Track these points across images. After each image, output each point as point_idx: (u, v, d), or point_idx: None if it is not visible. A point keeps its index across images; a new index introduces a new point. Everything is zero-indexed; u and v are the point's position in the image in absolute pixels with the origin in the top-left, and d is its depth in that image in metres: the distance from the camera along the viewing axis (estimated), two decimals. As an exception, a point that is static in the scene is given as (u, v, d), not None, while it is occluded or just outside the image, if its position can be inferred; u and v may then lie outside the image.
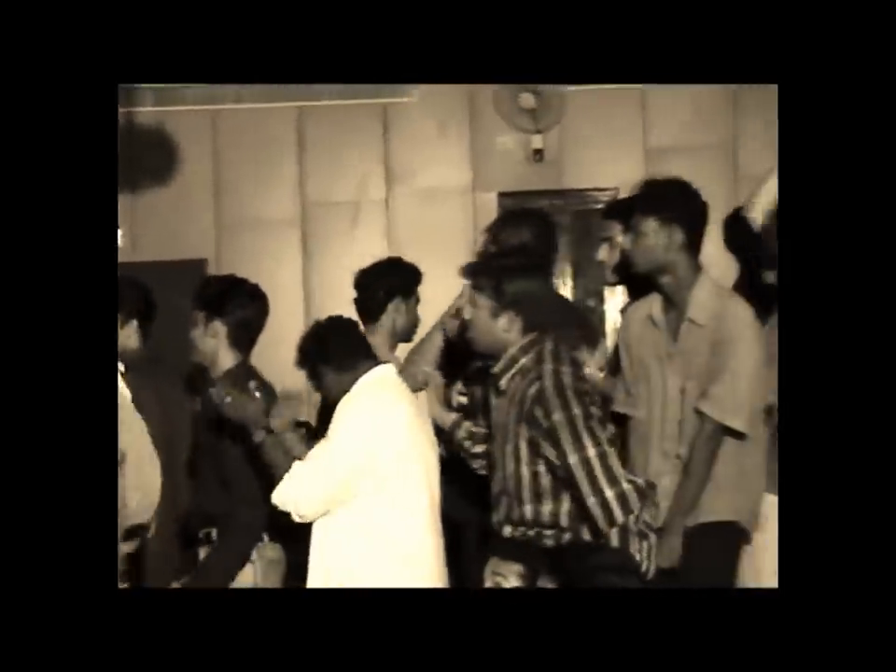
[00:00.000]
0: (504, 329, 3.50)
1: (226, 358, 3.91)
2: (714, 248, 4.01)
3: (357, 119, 6.48)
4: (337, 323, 3.76)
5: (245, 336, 3.92)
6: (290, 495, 3.49)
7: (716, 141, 6.39)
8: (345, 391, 3.65)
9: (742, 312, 3.81)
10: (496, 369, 3.51)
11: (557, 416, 3.33)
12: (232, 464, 3.76)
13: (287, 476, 3.51)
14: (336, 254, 6.33)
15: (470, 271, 3.60)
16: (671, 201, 3.87)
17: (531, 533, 3.44)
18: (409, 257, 4.40)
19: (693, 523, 3.76)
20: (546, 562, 3.42)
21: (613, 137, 6.47)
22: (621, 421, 4.00)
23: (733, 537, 3.83)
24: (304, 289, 6.42)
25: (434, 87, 6.43)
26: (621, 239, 4.11)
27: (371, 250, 5.68)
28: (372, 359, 3.72)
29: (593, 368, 4.00)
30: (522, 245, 4.08)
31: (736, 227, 4.17)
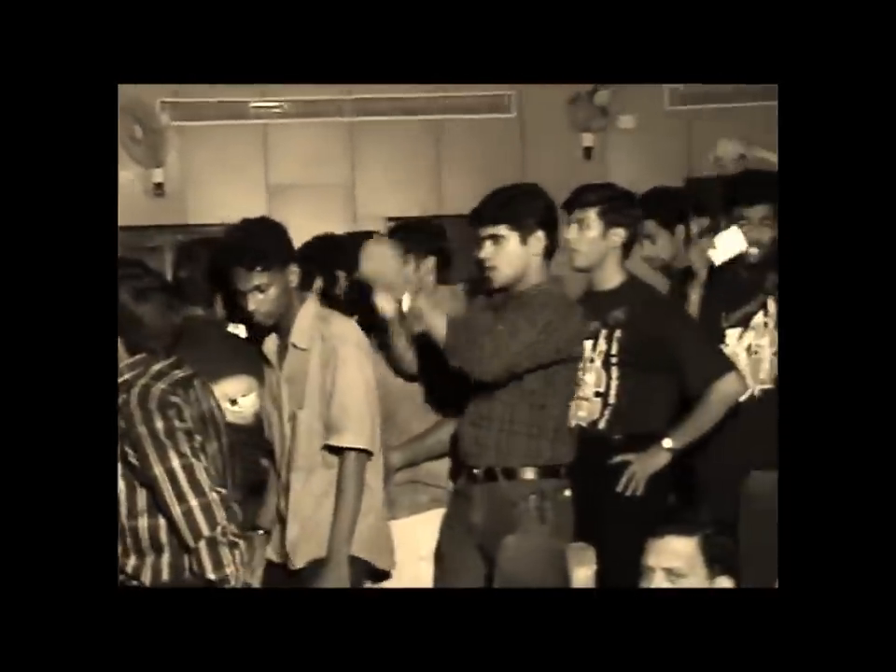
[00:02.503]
0: None
1: None
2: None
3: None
4: None
5: None
6: None
7: (335, 180, 6.53)
8: None
9: (342, 330, 3.84)
10: None
11: (141, 429, 3.31)
12: None
13: None
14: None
15: None
16: (270, 243, 3.84)
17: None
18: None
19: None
20: None
21: (235, 173, 6.50)
22: None
23: (359, 573, 3.89)
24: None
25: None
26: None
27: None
28: None
29: (239, 396, 4.00)
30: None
31: None
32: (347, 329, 3.87)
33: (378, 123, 6.53)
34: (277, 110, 6.56)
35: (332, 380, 3.80)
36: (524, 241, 3.75)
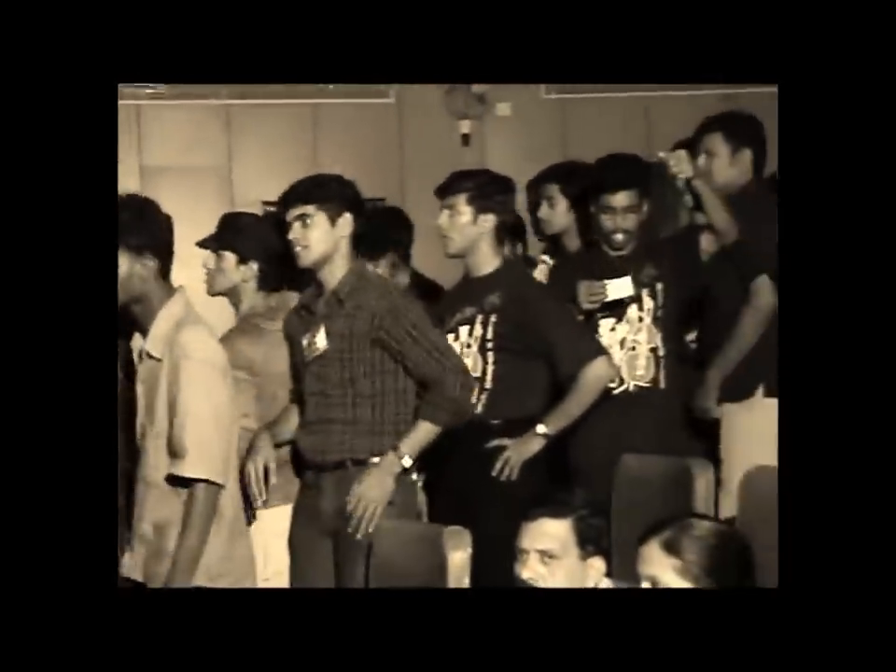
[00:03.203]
0: None
1: None
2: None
3: None
4: None
5: None
6: None
7: (211, 163, 6.48)
8: None
9: (192, 342, 3.47)
10: None
11: None
12: None
13: None
14: None
15: None
16: (138, 225, 3.47)
17: None
18: None
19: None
20: None
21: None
22: None
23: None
24: None
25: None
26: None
27: None
28: None
29: None
30: None
31: None
32: (199, 342, 3.49)
33: (255, 106, 6.50)
34: (150, 91, 6.49)
35: (176, 398, 3.44)
36: (332, 221, 3.80)
